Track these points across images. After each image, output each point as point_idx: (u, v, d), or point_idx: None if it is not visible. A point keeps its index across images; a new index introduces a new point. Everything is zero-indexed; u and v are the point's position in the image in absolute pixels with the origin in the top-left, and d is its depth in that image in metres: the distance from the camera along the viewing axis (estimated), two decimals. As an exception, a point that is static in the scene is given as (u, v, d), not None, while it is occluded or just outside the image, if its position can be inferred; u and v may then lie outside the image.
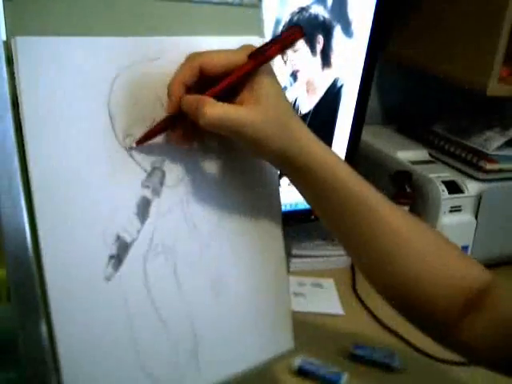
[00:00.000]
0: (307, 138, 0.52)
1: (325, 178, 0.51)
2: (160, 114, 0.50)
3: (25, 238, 0.43)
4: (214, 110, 0.46)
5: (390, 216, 0.52)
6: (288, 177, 0.54)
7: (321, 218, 0.55)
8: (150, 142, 0.49)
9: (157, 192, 0.50)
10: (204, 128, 0.47)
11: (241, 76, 0.48)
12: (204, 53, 0.49)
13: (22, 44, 0.42)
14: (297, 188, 0.55)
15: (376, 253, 0.53)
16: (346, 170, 0.52)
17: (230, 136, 0.49)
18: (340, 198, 0.52)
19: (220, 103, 0.47)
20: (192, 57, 0.49)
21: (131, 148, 0.48)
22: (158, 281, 0.50)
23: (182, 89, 0.48)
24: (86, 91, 0.46)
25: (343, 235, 0.55)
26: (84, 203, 0.45)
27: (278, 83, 0.51)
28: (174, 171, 0.51)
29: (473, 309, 0.51)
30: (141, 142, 0.48)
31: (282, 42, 0.50)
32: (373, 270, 0.55)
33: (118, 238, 0.47)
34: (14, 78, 0.42)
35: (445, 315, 0.52)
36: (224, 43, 0.55)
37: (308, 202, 0.55)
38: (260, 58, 0.49)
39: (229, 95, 0.49)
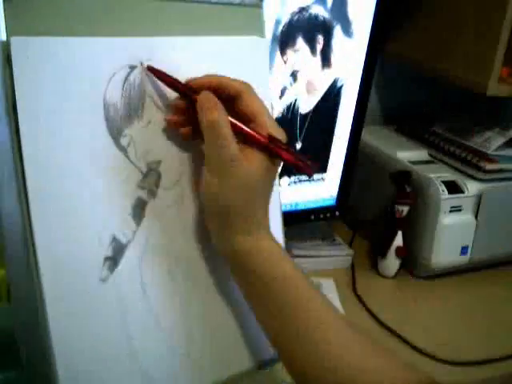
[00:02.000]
0: (264, 234, 0.50)
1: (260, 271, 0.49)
2: (156, 114, 0.50)
3: (24, 238, 0.43)
4: (220, 116, 0.47)
5: (334, 326, 0.48)
6: (223, 250, 0.51)
7: (253, 308, 0.52)
8: (146, 141, 0.49)
9: (152, 193, 0.50)
10: (199, 122, 0.48)
11: (253, 137, 0.48)
12: (255, 94, 0.50)
13: (17, 44, 0.42)
14: (236, 281, 0.52)
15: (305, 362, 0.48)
16: (292, 267, 0.50)
17: (210, 146, 0.48)
18: (274, 291, 0.49)
19: (227, 119, 0.47)
20: (244, 84, 0.50)
21: (145, 67, 0.49)
22: (154, 282, 0.50)
23: (215, 84, 0.49)
24: (82, 91, 0.46)
25: (275, 333, 0.51)
26: (79, 204, 0.45)
27: (274, 175, 0.51)
28: (169, 173, 0.51)
29: None
30: (153, 71, 0.49)
31: (294, 161, 0.50)
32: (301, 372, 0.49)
33: (114, 239, 0.47)
34: (13, 78, 0.42)
35: None
36: (224, 43, 0.55)
37: (244, 294, 0.52)
38: (275, 146, 0.49)
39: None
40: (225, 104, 0.49)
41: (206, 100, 0.48)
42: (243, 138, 0.49)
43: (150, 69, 0.49)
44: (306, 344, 0.48)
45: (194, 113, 0.49)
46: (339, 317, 0.50)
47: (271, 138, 0.49)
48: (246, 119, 0.49)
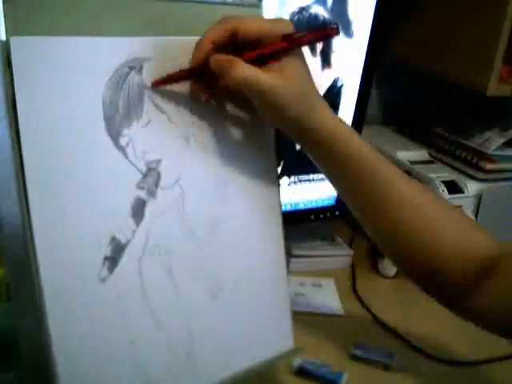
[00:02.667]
0: (330, 116, 0.53)
1: (339, 151, 0.53)
2: (155, 114, 0.50)
3: (24, 238, 0.43)
4: (244, 69, 0.49)
5: (403, 187, 0.55)
6: (303, 148, 0.56)
7: (337, 190, 0.58)
8: (145, 141, 0.49)
9: (152, 193, 0.50)
10: (230, 86, 0.49)
11: (273, 51, 0.50)
12: (240, 17, 0.51)
13: (17, 44, 0.42)
14: (312, 159, 0.57)
15: (392, 223, 0.55)
16: (363, 145, 0.54)
17: (253, 97, 0.51)
18: (354, 171, 0.54)
19: (250, 65, 0.49)
20: (226, 19, 0.50)
21: (150, 87, 0.50)
22: (154, 282, 0.50)
23: (210, 46, 0.50)
24: (81, 91, 0.46)
25: (359, 207, 0.57)
26: (79, 204, 0.45)
27: (306, 65, 0.53)
28: (169, 172, 0.51)
29: (484, 277, 0.53)
30: (158, 83, 0.50)
31: (317, 35, 0.52)
32: (389, 240, 0.57)
33: (113, 239, 0.47)
34: (13, 78, 0.42)
35: (457, 283, 0.54)
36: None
37: (324, 173, 0.57)
38: (294, 41, 0.50)
39: (257, 65, 0.50)
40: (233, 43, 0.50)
41: (220, 62, 0.49)
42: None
43: (157, 83, 0.50)
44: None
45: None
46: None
47: (286, 38, 0.50)
48: (255, 42, 0.50)
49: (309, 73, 0.53)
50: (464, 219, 0.58)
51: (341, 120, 0.54)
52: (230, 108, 0.56)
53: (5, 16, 0.42)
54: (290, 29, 0.51)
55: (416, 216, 0.54)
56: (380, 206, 0.55)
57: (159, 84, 0.50)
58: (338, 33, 0.51)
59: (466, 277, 0.54)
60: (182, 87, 0.52)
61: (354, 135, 0.54)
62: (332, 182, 0.57)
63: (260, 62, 0.50)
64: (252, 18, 0.51)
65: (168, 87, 0.51)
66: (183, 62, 0.52)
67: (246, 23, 0.50)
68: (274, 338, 0.59)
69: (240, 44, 0.50)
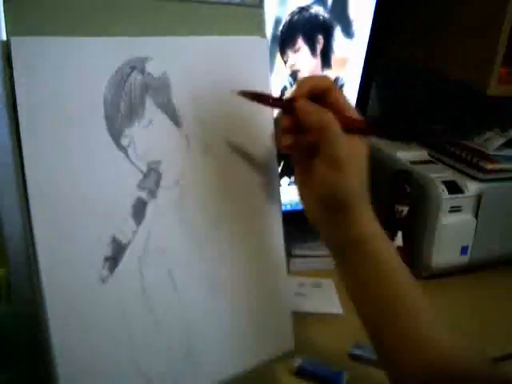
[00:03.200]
0: (368, 210, 0.52)
1: (366, 254, 0.52)
2: (156, 115, 0.50)
3: (25, 238, 0.43)
4: (327, 117, 0.49)
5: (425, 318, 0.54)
6: (329, 238, 0.55)
7: (351, 294, 0.56)
8: (147, 142, 0.49)
9: (153, 193, 0.50)
10: (305, 126, 0.50)
11: (354, 126, 0.51)
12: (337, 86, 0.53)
13: (17, 44, 0.42)
14: (334, 254, 0.55)
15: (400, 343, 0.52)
16: (392, 255, 0.52)
17: (326, 145, 0.50)
18: (382, 290, 0.52)
19: (334, 118, 0.50)
20: (328, 79, 0.53)
21: (238, 93, 0.52)
22: (154, 282, 0.50)
23: (308, 90, 0.51)
24: (82, 91, 0.46)
25: (370, 316, 0.56)
26: (80, 204, 0.45)
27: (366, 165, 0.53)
28: (170, 173, 0.51)
29: None
30: (245, 94, 0.52)
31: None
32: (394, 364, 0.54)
33: (114, 239, 0.47)
34: (13, 78, 0.42)
35: None
36: (224, 43, 0.55)
37: (340, 268, 0.55)
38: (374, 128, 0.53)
39: None
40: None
41: (306, 105, 0.50)
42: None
43: (244, 94, 0.52)
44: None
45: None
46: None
47: (370, 123, 0.52)
48: (336, 111, 0.51)
49: (367, 162, 0.53)
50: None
51: (378, 225, 0.53)
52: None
53: (5, 16, 0.42)
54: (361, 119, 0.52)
55: (427, 345, 0.52)
56: (395, 325, 0.52)
57: (245, 96, 0.52)
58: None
59: None
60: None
61: (386, 246, 0.52)
62: (349, 284, 0.55)
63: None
64: (345, 96, 0.52)
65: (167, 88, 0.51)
66: (184, 62, 0.52)
67: (338, 93, 0.52)
68: (274, 337, 0.59)
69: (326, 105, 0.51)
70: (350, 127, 0.50)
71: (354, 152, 0.50)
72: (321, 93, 0.52)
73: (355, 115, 0.52)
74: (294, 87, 0.52)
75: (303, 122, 0.51)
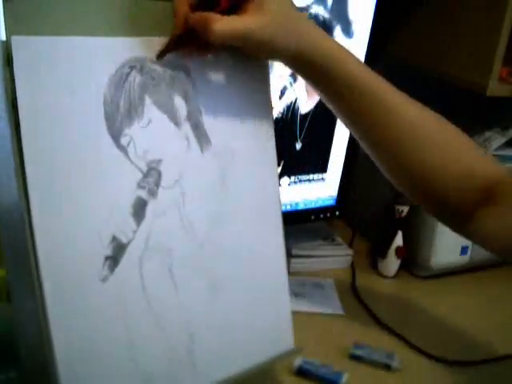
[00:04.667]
0: (317, 36, 0.53)
1: (337, 74, 0.53)
2: (156, 114, 0.50)
3: (25, 238, 0.43)
4: (221, 25, 0.48)
5: (403, 107, 0.56)
6: (302, 76, 0.56)
7: (337, 114, 0.58)
8: (146, 141, 0.49)
9: (153, 193, 0.50)
10: (214, 43, 0.49)
11: None
12: None
13: (18, 43, 0.42)
14: (312, 86, 0.56)
15: (392, 144, 0.55)
16: (358, 64, 0.54)
17: (241, 45, 0.51)
18: (353, 93, 0.54)
19: (225, 17, 0.49)
20: None
21: (155, 59, 0.50)
22: (154, 281, 0.50)
23: (187, 7, 0.50)
24: (82, 91, 0.46)
25: (360, 129, 0.57)
26: (79, 204, 0.45)
27: None
28: (169, 172, 0.51)
29: (488, 200, 0.53)
30: (160, 56, 0.50)
31: None
32: (391, 163, 0.58)
33: (114, 238, 0.47)
34: (14, 77, 0.42)
35: (461, 206, 0.54)
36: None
37: (323, 98, 0.57)
38: None
39: (232, 9, 0.50)
40: None
41: (196, 21, 0.49)
42: None
43: (160, 56, 0.50)
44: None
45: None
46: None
47: None
48: None
49: (290, 1, 0.52)
50: (470, 143, 0.57)
51: (333, 40, 0.54)
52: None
53: (5, 16, 0.42)
54: None
55: (416, 136, 0.54)
56: (380, 127, 0.55)
57: (161, 56, 0.50)
58: None
59: (466, 199, 0.54)
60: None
61: (348, 56, 0.54)
62: (328, 102, 0.57)
63: (236, 6, 0.50)
64: None
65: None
66: (182, 61, 0.52)
67: None
68: (274, 337, 0.59)
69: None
70: None
71: (264, 22, 0.49)
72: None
73: None
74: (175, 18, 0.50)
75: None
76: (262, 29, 0.49)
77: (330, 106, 0.58)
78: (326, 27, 0.86)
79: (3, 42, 0.42)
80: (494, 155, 1.01)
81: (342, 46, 0.54)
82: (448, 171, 0.55)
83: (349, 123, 0.58)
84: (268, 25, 0.50)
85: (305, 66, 0.54)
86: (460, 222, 0.56)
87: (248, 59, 0.56)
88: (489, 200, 0.53)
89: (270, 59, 0.57)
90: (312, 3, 0.83)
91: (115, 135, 0.47)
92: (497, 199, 0.53)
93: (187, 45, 0.51)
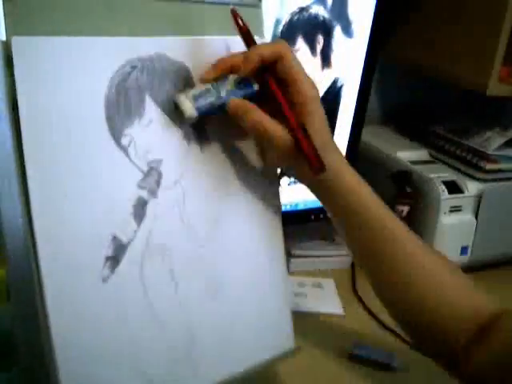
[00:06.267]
0: (338, 162, 0.55)
1: (349, 202, 0.54)
2: (157, 114, 0.50)
3: (25, 238, 0.43)
4: (256, 117, 0.51)
5: (410, 245, 0.55)
6: (315, 193, 0.57)
7: (343, 237, 0.58)
8: (147, 141, 0.49)
9: (153, 193, 0.50)
10: (245, 129, 0.52)
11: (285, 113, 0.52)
12: (292, 52, 0.53)
13: (18, 44, 0.42)
14: (323, 205, 0.57)
15: (394, 278, 0.55)
16: (371, 196, 0.55)
17: (266, 143, 0.54)
18: (362, 222, 0.55)
19: (262, 114, 0.51)
20: (283, 43, 0.53)
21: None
22: (155, 281, 0.50)
23: (258, 59, 0.51)
24: (83, 91, 0.46)
25: (364, 259, 0.58)
26: (80, 204, 0.45)
27: (324, 114, 0.54)
28: (170, 172, 0.51)
29: (481, 339, 0.52)
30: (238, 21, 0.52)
31: (313, 152, 0.53)
32: (390, 295, 0.57)
33: (115, 238, 0.47)
34: (14, 78, 0.42)
35: (456, 345, 0.54)
36: (224, 43, 0.55)
37: (333, 220, 0.58)
38: (299, 134, 0.52)
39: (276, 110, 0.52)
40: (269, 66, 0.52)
41: (236, 107, 0.52)
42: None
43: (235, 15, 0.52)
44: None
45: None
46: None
47: (302, 127, 0.51)
48: (286, 83, 0.52)
49: (326, 120, 0.54)
50: (466, 281, 0.57)
51: (351, 171, 0.55)
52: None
53: (5, 16, 0.42)
54: (317, 93, 0.53)
55: (420, 277, 0.55)
56: (386, 264, 0.55)
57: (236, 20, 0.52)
58: (317, 172, 0.51)
59: (461, 341, 0.53)
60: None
61: (364, 188, 0.55)
62: (337, 225, 0.58)
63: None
64: (298, 62, 0.53)
65: (169, 88, 0.51)
66: (183, 62, 0.52)
67: (291, 60, 0.52)
68: (274, 337, 0.59)
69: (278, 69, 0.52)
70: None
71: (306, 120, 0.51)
72: (271, 60, 0.51)
73: (308, 87, 0.52)
74: (242, 59, 0.52)
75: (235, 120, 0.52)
76: (287, 145, 0.51)
77: (335, 224, 0.59)
78: (326, 27, 0.86)
79: (3, 42, 0.42)
80: (494, 155, 1.01)
81: (358, 177, 0.55)
82: (449, 313, 0.54)
83: (352, 245, 0.58)
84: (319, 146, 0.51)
85: (320, 188, 0.56)
86: (454, 362, 0.55)
87: None
88: (484, 339, 0.52)
89: (287, 167, 0.58)
90: (312, 3, 0.83)
91: (116, 135, 0.47)
92: (492, 338, 0.52)
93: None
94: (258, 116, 0.51)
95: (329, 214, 0.58)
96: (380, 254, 0.55)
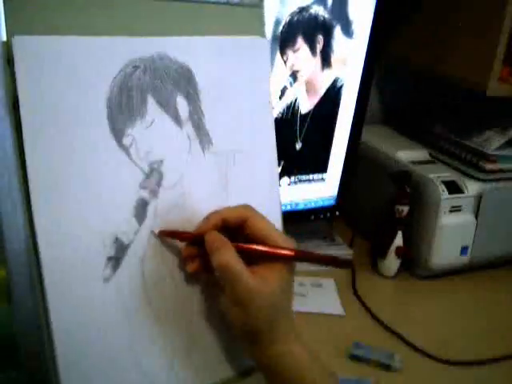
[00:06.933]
0: (288, 333, 0.51)
1: (292, 377, 0.50)
2: (159, 115, 0.50)
3: (25, 238, 0.43)
4: (228, 257, 0.47)
5: None
6: (252, 358, 0.52)
7: None
8: (149, 142, 0.49)
9: (154, 193, 0.50)
10: (213, 265, 0.48)
11: (273, 254, 0.50)
12: (257, 214, 0.51)
13: (19, 43, 0.42)
14: (259, 370, 0.52)
15: None
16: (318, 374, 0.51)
17: (226, 286, 0.48)
18: None
19: (237, 257, 0.48)
20: (246, 208, 0.51)
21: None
22: (156, 282, 0.50)
23: (219, 222, 0.50)
24: (85, 91, 0.45)
25: None
26: (81, 204, 0.45)
27: (291, 282, 0.52)
28: (171, 173, 0.51)
29: None
30: (164, 234, 0.50)
31: (330, 260, 0.53)
32: None
33: (116, 239, 0.47)
34: (15, 78, 0.42)
35: None
36: (225, 43, 0.55)
37: None
38: (303, 254, 0.51)
39: (248, 258, 0.49)
40: (235, 231, 0.50)
41: (213, 241, 0.49)
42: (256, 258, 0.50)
43: (163, 234, 0.50)
44: None
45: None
46: None
47: (297, 252, 0.50)
48: (258, 240, 0.50)
49: (291, 288, 0.52)
50: None
51: (301, 346, 0.51)
52: None
53: (5, 16, 0.42)
54: (295, 244, 0.51)
55: None
56: None
57: (164, 235, 0.50)
58: (350, 266, 0.49)
59: None
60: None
61: (312, 369, 0.50)
62: None
63: (252, 258, 0.49)
64: (266, 221, 0.51)
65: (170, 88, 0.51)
66: (185, 62, 0.52)
67: (258, 221, 0.50)
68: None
69: (244, 234, 0.50)
70: (273, 257, 0.49)
71: (259, 288, 0.47)
72: (236, 224, 0.50)
73: (277, 240, 0.50)
74: (203, 220, 0.51)
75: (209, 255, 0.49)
76: (254, 293, 0.47)
77: None
78: (326, 27, 0.86)
79: (4, 42, 0.42)
80: (494, 155, 1.01)
81: (312, 361, 0.50)
82: None
83: None
84: (262, 297, 0.48)
85: (263, 356, 0.50)
86: None
87: (247, 63, 0.55)
88: None
89: (235, 323, 0.50)
90: (312, 3, 0.83)
91: (118, 135, 0.47)
92: None
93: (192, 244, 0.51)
94: (232, 256, 0.48)
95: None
96: None
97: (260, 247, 0.50)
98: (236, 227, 0.51)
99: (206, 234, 0.49)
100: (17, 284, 0.46)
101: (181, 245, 0.51)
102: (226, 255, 0.48)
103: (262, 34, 0.59)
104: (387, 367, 0.76)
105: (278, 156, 0.60)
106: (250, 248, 0.50)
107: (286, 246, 0.50)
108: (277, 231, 0.51)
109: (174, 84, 0.51)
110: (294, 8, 0.82)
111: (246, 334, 0.50)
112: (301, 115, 0.90)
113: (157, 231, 0.50)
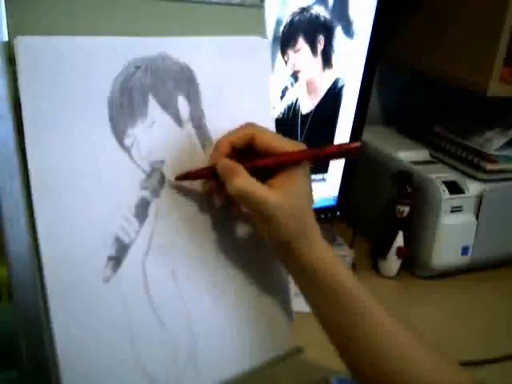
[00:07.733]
0: (317, 239, 0.52)
1: (324, 279, 0.51)
2: (160, 115, 0.50)
3: (26, 238, 0.43)
4: (242, 182, 0.48)
5: (389, 327, 0.52)
6: (288, 270, 0.55)
7: (317, 316, 0.55)
8: (150, 142, 0.49)
9: (156, 193, 0.50)
10: (230, 194, 0.49)
11: (284, 161, 0.50)
12: (262, 128, 0.52)
13: (22, 43, 0.42)
14: (296, 282, 0.54)
15: (371, 359, 0.52)
16: (348, 275, 0.52)
17: (249, 210, 0.50)
18: (338, 302, 0.51)
19: (250, 178, 0.49)
20: (250, 125, 0.52)
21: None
22: (157, 282, 0.50)
23: (228, 147, 0.51)
24: (86, 91, 0.46)
25: (340, 340, 0.55)
26: (83, 204, 0.45)
27: (309, 184, 0.52)
28: (173, 172, 0.51)
29: None
30: (178, 178, 0.51)
31: (339, 148, 0.52)
32: (364, 375, 0.54)
33: (117, 239, 0.47)
34: (17, 78, 0.42)
35: None
36: (226, 43, 0.55)
37: (305, 297, 0.54)
38: (314, 152, 0.51)
39: (264, 174, 0.50)
40: (246, 151, 0.51)
41: (224, 169, 0.49)
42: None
43: (178, 178, 0.51)
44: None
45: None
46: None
47: (309, 150, 0.50)
48: (269, 153, 0.51)
49: (310, 191, 0.52)
50: (448, 362, 0.55)
51: (328, 249, 0.53)
52: None
53: (7, 16, 0.42)
54: (303, 146, 0.51)
55: (400, 359, 0.52)
56: (362, 343, 0.52)
57: (180, 179, 0.51)
58: (362, 151, 0.49)
59: None
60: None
61: (341, 268, 0.52)
62: (310, 302, 0.54)
63: (267, 173, 0.50)
64: (271, 133, 0.52)
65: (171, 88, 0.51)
66: (186, 62, 0.52)
67: (264, 134, 0.51)
68: (275, 338, 0.59)
69: (255, 152, 0.51)
70: (283, 164, 0.50)
71: (279, 203, 0.48)
72: (244, 144, 0.51)
73: (290, 147, 0.51)
74: (212, 150, 0.52)
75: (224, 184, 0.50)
76: (275, 208, 0.48)
77: (307, 302, 0.54)
78: (327, 27, 0.86)
79: (5, 42, 0.42)
80: (494, 155, 1.01)
81: (337, 258, 0.53)
82: None
83: (327, 326, 0.55)
84: (282, 209, 0.49)
85: (295, 263, 0.52)
86: None
87: (248, 63, 0.55)
88: None
89: (267, 239, 0.53)
90: (313, 3, 0.83)
91: (119, 135, 0.47)
92: None
93: (209, 178, 0.52)
94: (245, 179, 0.49)
95: (298, 288, 0.54)
96: (358, 338, 0.52)
97: (272, 159, 0.50)
98: (245, 148, 0.51)
99: (217, 164, 0.50)
100: (18, 284, 0.46)
101: (181, 244, 0.51)
102: (239, 179, 0.48)
103: (263, 35, 0.59)
104: (388, 367, 0.75)
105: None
106: (263, 163, 0.50)
107: (297, 149, 0.51)
108: (284, 139, 0.51)
109: (174, 84, 0.51)
110: (294, 8, 0.82)
111: (278, 245, 0.52)
112: (302, 115, 0.90)
113: (173, 179, 0.50)
